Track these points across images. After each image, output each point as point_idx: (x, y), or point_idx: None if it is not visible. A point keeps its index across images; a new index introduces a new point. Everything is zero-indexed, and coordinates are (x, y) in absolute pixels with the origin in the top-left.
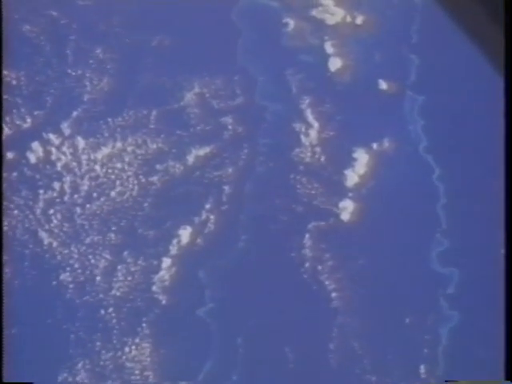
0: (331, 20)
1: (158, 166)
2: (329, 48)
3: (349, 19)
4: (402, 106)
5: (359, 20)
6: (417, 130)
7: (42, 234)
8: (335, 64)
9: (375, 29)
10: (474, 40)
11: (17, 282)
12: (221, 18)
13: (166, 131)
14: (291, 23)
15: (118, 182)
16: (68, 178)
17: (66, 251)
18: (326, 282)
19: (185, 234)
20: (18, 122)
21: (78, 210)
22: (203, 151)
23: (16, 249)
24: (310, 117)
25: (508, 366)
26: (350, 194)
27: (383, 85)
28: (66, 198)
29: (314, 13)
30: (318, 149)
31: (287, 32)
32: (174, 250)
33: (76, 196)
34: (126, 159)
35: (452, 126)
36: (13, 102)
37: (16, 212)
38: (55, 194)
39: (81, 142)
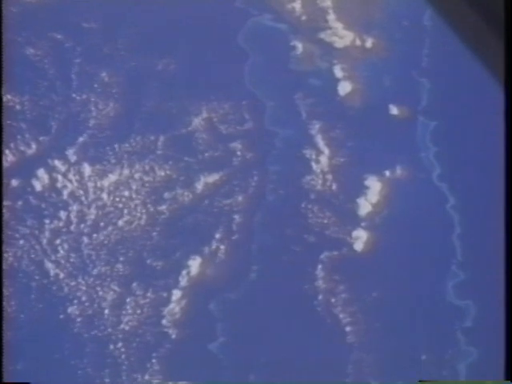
0: (340, 43)
1: (166, 194)
2: (338, 72)
3: (358, 42)
4: (414, 132)
5: (369, 43)
6: (429, 158)
7: (48, 265)
8: (345, 88)
9: (385, 52)
10: (477, 54)
11: (23, 315)
12: (227, 41)
13: (173, 157)
14: (299, 46)
15: (125, 211)
16: (74, 207)
17: (73, 283)
18: (341, 316)
19: (194, 264)
20: (22, 148)
21: (85, 239)
22: (212, 178)
23: (22, 280)
24: (321, 143)
25: (508, 366)
26: (363, 224)
27: (394, 110)
28: (72, 228)
29: (322, 36)
30: (329, 176)
31: (295, 55)
32: (183, 281)
33: (83, 225)
34: (134, 187)
35: (465, 153)
36: (17, 128)
37: (21, 242)
38: (61, 224)
39: (87, 169)
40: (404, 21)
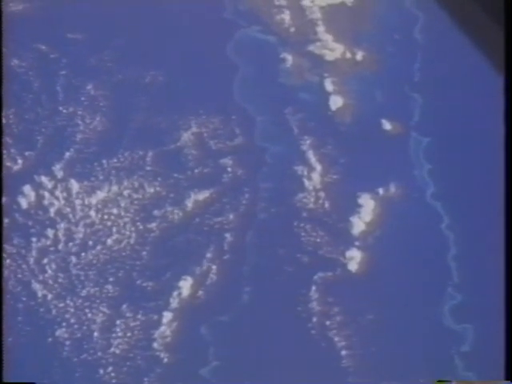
0: (330, 56)
1: (155, 212)
2: (329, 85)
3: (348, 55)
4: (407, 149)
5: (359, 56)
6: (423, 175)
7: (36, 286)
8: (336, 102)
9: (376, 66)
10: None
11: (10, 339)
12: (216, 53)
13: (163, 174)
14: (289, 59)
15: (114, 229)
16: (62, 225)
17: (62, 304)
18: (336, 339)
19: (185, 285)
20: (8, 164)
21: (73, 259)
22: (202, 195)
23: (8, 302)
24: (313, 159)
25: (508, 366)
26: (357, 243)
27: (387, 125)
28: (60, 247)
29: (312, 48)
30: (321, 194)
31: (285, 68)
32: (174, 303)
33: (71, 244)
34: (122, 204)
35: (459, 171)
36: (2, 143)
37: (8, 262)
38: (49, 242)
39: (74, 186)
40: (395, 33)
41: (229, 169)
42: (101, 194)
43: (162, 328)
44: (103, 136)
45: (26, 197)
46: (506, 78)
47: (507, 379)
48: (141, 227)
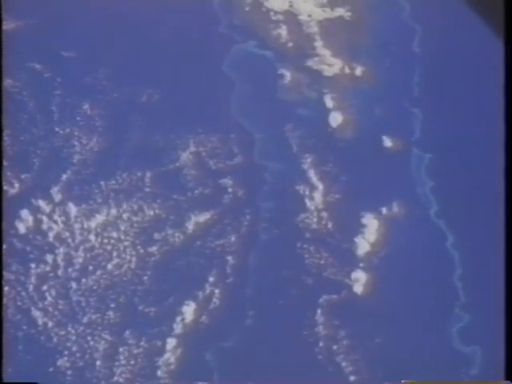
0: (329, 71)
1: (156, 235)
2: (328, 101)
3: (347, 70)
4: (409, 166)
5: (358, 71)
6: (426, 193)
7: (36, 313)
8: (336, 119)
9: (375, 81)
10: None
11: (10, 369)
12: (212, 69)
13: (162, 195)
14: (287, 75)
15: (114, 254)
16: (61, 250)
17: (63, 332)
18: (343, 364)
19: (189, 310)
20: (4, 187)
21: (74, 285)
22: (203, 217)
23: (8, 331)
24: (314, 178)
25: (508, 366)
26: (362, 264)
27: (387, 142)
28: (59, 272)
29: (310, 63)
30: (324, 214)
31: (283, 84)
32: (178, 328)
33: (70, 269)
34: (122, 228)
35: (462, 187)
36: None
37: (7, 289)
38: (48, 268)
39: (73, 209)
40: (393, 47)
41: (229, 189)
42: (100, 218)
43: (167, 355)
44: (100, 157)
45: (24, 221)
46: (506, 90)
47: (507, 379)
48: (141, 251)
